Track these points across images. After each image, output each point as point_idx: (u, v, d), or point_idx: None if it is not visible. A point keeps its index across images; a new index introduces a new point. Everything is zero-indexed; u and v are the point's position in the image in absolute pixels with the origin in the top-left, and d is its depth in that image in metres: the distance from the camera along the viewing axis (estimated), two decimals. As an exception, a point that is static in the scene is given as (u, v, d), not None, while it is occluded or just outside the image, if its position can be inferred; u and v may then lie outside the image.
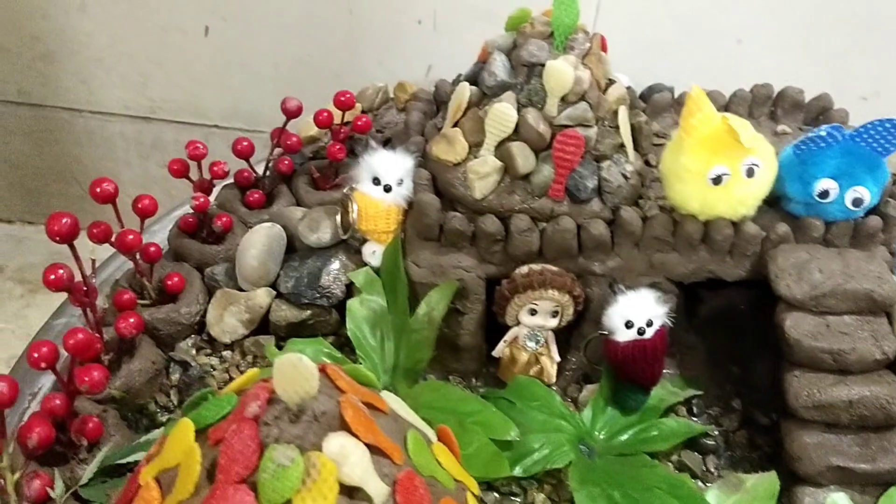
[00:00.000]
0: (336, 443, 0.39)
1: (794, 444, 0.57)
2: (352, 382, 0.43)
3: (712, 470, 0.61)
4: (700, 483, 0.60)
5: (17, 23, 1.12)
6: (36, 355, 0.50)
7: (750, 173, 0.59)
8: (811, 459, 0.56)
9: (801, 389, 0.57)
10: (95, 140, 1.21)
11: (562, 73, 0.58)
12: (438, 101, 0.75)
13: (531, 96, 0.60)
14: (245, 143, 0.73)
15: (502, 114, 0.59)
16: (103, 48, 1.11)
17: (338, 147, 0.75)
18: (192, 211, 0.70)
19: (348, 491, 0.39)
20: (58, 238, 0.55)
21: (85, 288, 0.58)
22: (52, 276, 0.56)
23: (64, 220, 0.55)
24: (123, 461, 0.53)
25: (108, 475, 0.52)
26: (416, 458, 0.44)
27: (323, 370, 0.43)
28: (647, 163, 0.67)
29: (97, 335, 0.57)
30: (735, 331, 0.69)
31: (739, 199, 0.59)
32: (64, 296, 0.61)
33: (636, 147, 0.65)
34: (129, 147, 1.21)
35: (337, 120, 0.76)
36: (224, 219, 0.70)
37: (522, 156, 0.60)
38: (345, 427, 0.40)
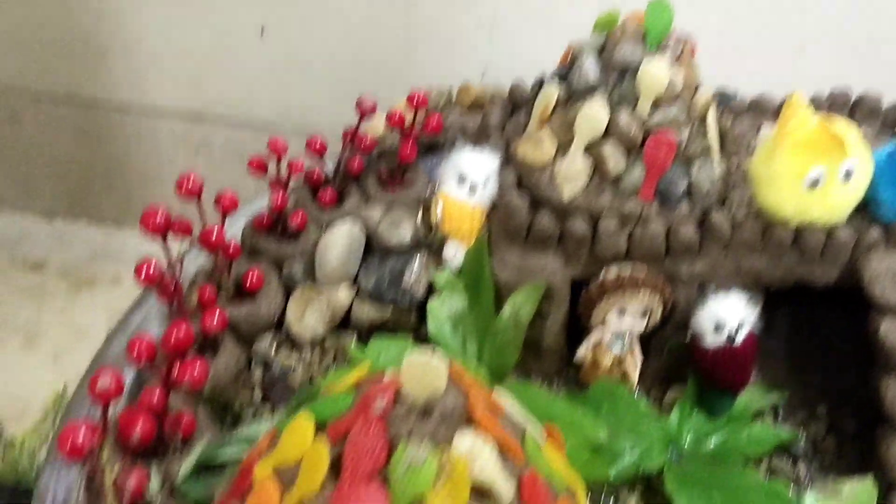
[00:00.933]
0: (467, 441, 0.39)
1: (890, 451, 0.57)
2: (474, 381, 0.43)
3: (803, 476, 0.60)
4: (792, 487, 0.59)
5: (69, 20, 1.12)
6: (135, 351, 0.49)
7: (847, 177, 0.58)
8: (908, 467, 0.56)
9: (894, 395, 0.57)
10: (143, 139, 1.21)
11: (657, 74, 0.57)
12: (513, 103, 0.75)
13: (623, 97, 0.59)
14: (319, 143, 0.73)
15: (594, 114, 0.59)
16: (157, 47, 1.11)
17: (409, 148, 0.75)
18: (265, 209, 0.70)
19: (477, 490, 0.38)
20: (152, 232, 0.54)
21: (174, 285, 0.58)
22: (143, 272, 0.56)
23: (159, 215, 0.54)
24: (217, 460, 0.52)
25: (200, 472, 0.52)
26: (534, 458, 0.43)
27: (450, 371, 0.42)
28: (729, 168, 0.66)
29: (191, 326, 0.57)
30: (817, 338, 0.68)
31: (835, 203, 0.59)
32: (134, 293, 0.61)
33: (722, 150, 0.65)
34: (176, 147, 1.21)
35: (409, 120, 0.76)
36: (300, 216, 0.69)
37: (615, 157, 0.59)
38: (476, 422, 0.40)
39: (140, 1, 1.08)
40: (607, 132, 0.59)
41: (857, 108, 0.75)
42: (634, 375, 0.64)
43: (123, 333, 0.65)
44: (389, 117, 0.76)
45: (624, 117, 0.59)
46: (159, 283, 0.56)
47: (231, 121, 1.16)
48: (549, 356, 0.65)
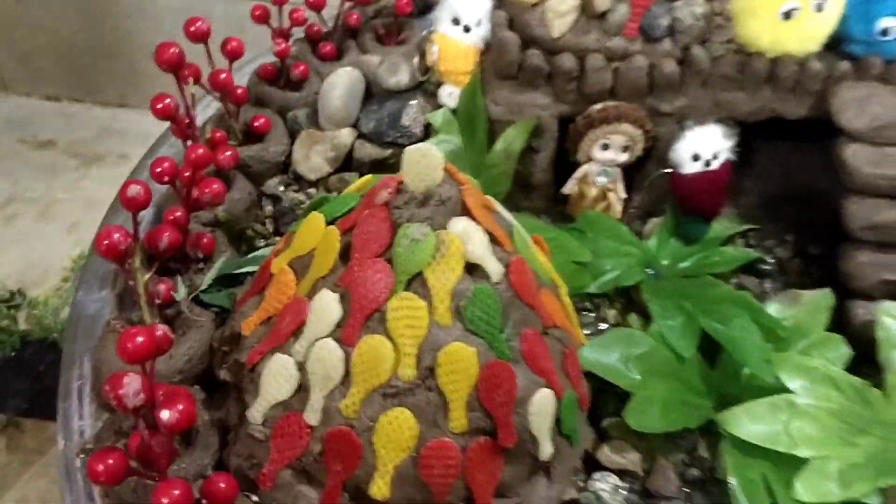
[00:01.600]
0: (460, 224, 0.43)
1: (848, 263, 0.62)
2: (468, 179, 0.47)
3: (769, 291, 0.66)
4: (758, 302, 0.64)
5: None
6: (159, 169, 0.54)
7: (819, 8, 0.61)
8: (864, 276, 0.61)
9: (858, 213, 0.61)
10: (145, 14, 1.22)
11: None
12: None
13: (609, -65, 0.62)
14: (317, -5, 0.75)
15: (581, -48, 0.61)
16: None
17: (405, 1, 0.77)
18: (270, 60, 0.73)
19: (469, 267, 0.43)
20: (166, 66, 0.58)
21: (187, 120, 0.61)
22: (160, 105, 0.59)
23: (172, 50, 0.58)
24: (234, 271, 0.57)
25: (220, 284, 0.57)
26: (521, 250, 0.48)
27: (447, 168, 0.46)
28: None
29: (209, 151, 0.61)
30: (788, 175, 0.72)
31: (809, 34, 0.62)
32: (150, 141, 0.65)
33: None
34: (177, 21, 1.22)
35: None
36: (302, 67, 0.73)
37: (601, -6, 0.62)
38: (466, 213, 0.44)
39: None
40: (593, -29, 0.62)
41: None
42: (618, 207, 0.68)
43: (143, 170, 0.69)
44: (384, -29, 0.78)
45: (609, -45, 0.61)
46: (174, 118, 0.60)
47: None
48: (539, 191, 0.69)
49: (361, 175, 0.68)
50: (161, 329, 0.44)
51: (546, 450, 0.45)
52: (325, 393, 0.43)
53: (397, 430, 0.42)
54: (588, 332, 0.61)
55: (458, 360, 0.42)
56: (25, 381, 1.02)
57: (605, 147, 0.65)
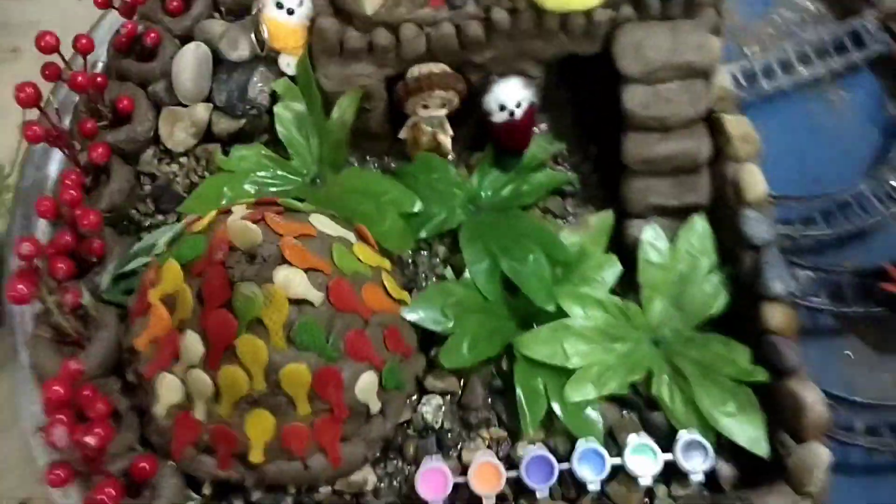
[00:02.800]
0: (282, 274, 0.56)
1: (625, 189, 0.75)
2: (287, 224, 0.59)
3: (570, 209, 0.79)
4: (561, 221, 0.78)
5: None
6: (42, 209, 0.64)
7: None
8: (637, 200, 0.74)
9: (632, 149, 0.73)
10: None
11: None
12: None
13: (403, -77, 0.66)
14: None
15: (380, -58, 0.66)
16: None
17: (240, -54, 0.80)
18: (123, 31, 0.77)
19: (297, 302, 0.57)
20: (27, 104, 0.65)
21: (57, 134, 0.69)
22: (30, 132, 0.67)
23: (29, 90, 0.64)
24: (128, 269, 0.69)
25: (117, 280, 0.69)
26: (341, 263, 0.61)
27: (263, 220, 0.58)
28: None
29: (79, 169, 0.70)
30: (596, 98, 0.81)
31: (585, -2, 0.69)
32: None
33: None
34: None
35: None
36: (152, 34, 0.78)
37: (403, -23, 0.68)
38: (286, 261, 0.57)
39: None
40: (395, -45, 0.67)
41: None
42: (447, 145, 0.79)
43: (30, 165, 0.77)
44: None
45: (406, -58, 0.66)
46: (47, 137, 0.68)
47: None
48: (380, 139, 0.79)
49: (222, 144, 0.78)
50: (74, 364, 0.58)
51: (374, 407, 0.62)
52: (204, 401, 0.58)
53: (260, 424, 0.58)
54: (422, 269, 0.75)
55: (294, 374, 0.57)
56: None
57: (426, 106, 0.74)
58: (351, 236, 0.65)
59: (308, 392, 0.58)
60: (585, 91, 0.82)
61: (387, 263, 0.67)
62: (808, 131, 0.86)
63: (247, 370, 0.56)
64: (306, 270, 0.58)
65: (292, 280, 0.56)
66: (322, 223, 0.63)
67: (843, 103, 0.88)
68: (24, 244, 0.60)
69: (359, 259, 0.63)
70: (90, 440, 0.55)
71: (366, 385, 0.60)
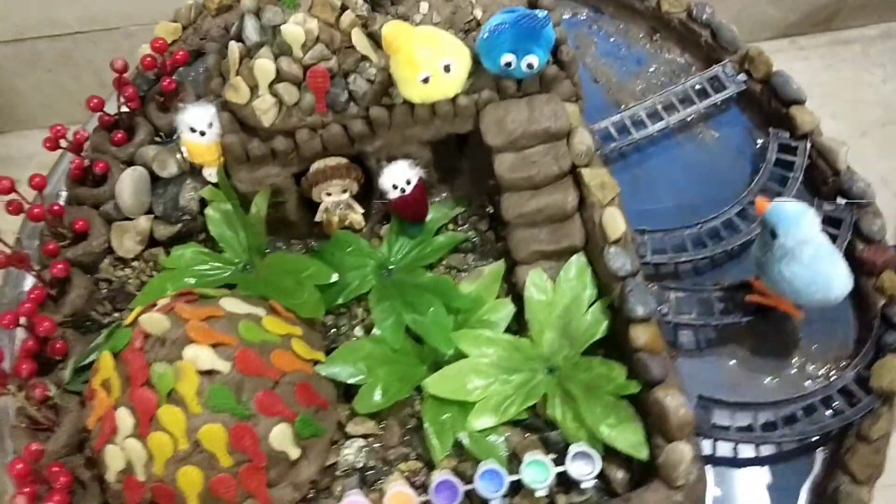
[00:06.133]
0: (190, 351, 0.65)
1: (511, 240, 0.83)
2: (194, 310, 0.68)
3: (471, 263, 0.87)
4: (462, 275, 0.86)
5: None
6: (5, 321, 0.74)
7: (447, 69, 0.78)
8: (521, 248, 0.82)
9: (509, 207, 0.81)
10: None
11: (294, 32, 0.75)
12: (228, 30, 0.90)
13: (281, 48, 0.77)
14: (96, 101, 0.90)
15: (264, 66, 0.77)
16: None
17: (167, 80, 0.92)
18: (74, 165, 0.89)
19: (207, 373, 0.66)
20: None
21: (19, 257, 0.80)
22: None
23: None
24: (88, 361, 0.79)
25: (81, 372, 0.79)
26: (248, 336, 0.69)
27: (172, 309, 0.67)
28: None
29: (43, 285, 0.81)
30: (488, 156, 0.90)
31: (445, 88, 0.79)
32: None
33: (380, 48, 0.83)
34: (14, 64, 1.33)
35: (160, 59, 0.92)
36: (100, 165, 0.89)
37: (287, 92, 0.78)
38: (193, 340, 0.66)
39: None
40: (278, 76, 0.78)
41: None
42: (359, 220, 0.88)
43: (8, 284, 0.88)
44: (142, 62, 0.92)
45: (285, 63, 0.77)
46: (10, 261, 0.79)
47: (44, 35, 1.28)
48: (299, 225, 0.89)
49: (165, 247, 0.88)
50: (35, 446, 0.67)
51: (293, 454, 0.70)
52: (142, 465, 0.66)
53: (190, 478, 0.66)
54: (344, 328, 0.83)
55: (211, 433, 0.65)
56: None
57: (329, 194, 0.84)
58: (261, 311, 0.73)
59: (227, 447, 0.66)
60: (479, 159, 0.91)
61: (297, 330, 0.76)
62: (683, 169, 0.94)
63: (171, 434, 0.65)
64: (213, 345, 0.66)
65: (199, 355, 0.65)
66: (231, 305, 0.72)
67: (714, 141, 0.96)
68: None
69: (266, 330, 0.72)
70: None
71: (280, 435, 0.68)
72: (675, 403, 0.69)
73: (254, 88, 0.80)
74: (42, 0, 1.24)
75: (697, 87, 0.96)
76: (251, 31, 0.77)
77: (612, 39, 1.04)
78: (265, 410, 0.68)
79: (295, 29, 0.74)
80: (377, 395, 0.75)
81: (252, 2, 0.78)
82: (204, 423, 0.65)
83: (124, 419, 0.65)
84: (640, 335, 0.73)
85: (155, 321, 0.64)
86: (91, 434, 0.71)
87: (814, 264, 0.71)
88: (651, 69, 1.01)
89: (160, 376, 0.64)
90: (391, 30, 0.75)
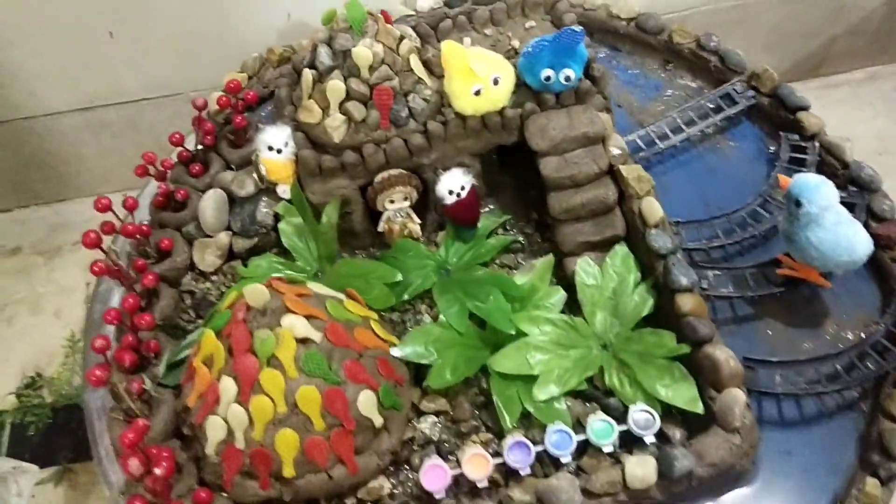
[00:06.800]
0: (287, 320, 0.71)
1: (558, 234, 0.90)
2: (289, 286, 0.75)
3: (521, 262, 0.94)
4: (515, 271, 0.93)
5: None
6: (108, 317, 0.81)
7: (496, 83, 0.88)
8: (569, 241, 0.90)
9: (555, 203, 0.89)
10: (54, 134, 1.44)
11: (363, 53, 0.85)
12: (297, 70, 1.01)
13: (350, 70, 0.87)
14: (177, 136, 0.99)
15: (335, 86, 0.87)
16: (37, 64, 1.32)
17: (239, 118, 1.02)
18: (159, 192, 0.98)
19: (302, 341, 0.72)
20: (89, 247, 0.83)
21: (116, 268, 0.88)
22: (96, 268, 0.85)
23: (92, 235, 0.83)
24: (179, 358, 0.85)
25: (171, 368, 0.85)
26: (334, 313, 0.76)
27: (270, 285, 0.74)
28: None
29: (138, 296, 0.88)
30: (528, 174, 0.99)
31: (494, 100, 0.88)
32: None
33: (433, 74, 0.93)
34: (82, 132, 1.44)
35: (233, 100, 1.03)
36: (181, 192, 0.98)
37: (357, 110, 0.88)
38: (290, 311, 0.72)
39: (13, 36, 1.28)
40: (348, 95, 0.88)
41: (525, 4, 1.02)
42: (417, 230, 0.96)
43: (98, 301, 0.95)
44: (218, 101, 1.02)
45: (354, 84, 0.87)
46: (108, 271, 0.86)
47: (114, 102, 1.40)
48: (363, 235, 0.97)
49: (243, 260, 0.96)
50: (141, 421, 0.73)
51: (378, 421, 0.75)
52: (242, 431, 0.72)
53: (287, 441, 0.71)
54: (409, 324, 0.90)
55: (306, 396, 0.71)
56: (66, 438, 1.30)
57: (392, 201, 0.92)
58: (342, 297, 0.80)
59: (320, 410, 0.71)
60: (524, 175, 1.00)
61: (374, 315, 0.82)
62: (706, 174, 1.02)
63: (270, 397, 0.70)
64: (307, 317, 0.73)
65: (295, 324, 0.72)
66: (318, 288, 0.79)
67: (731, 149, 1.05)
68: (97, 340, 0.76)
69: (349, 310, 0.78)
70: (158, 471, 0.68)
71: (366, 401, 0.73)
72: (724, 356, 0.75)
73: (325, 109, 0.89)
74: (110, 69, 1.35)
75: (711, 104, 1.06)
76: (324, 56, 0.87)
77: (629, 71, 1.15)
78: (353, 377, 0.73)
79: (364, 51, 0.85)
80: (447, 373, 0.81)
81: (325, 33, 0.88)
82: (300, 386, 0.71)
83: (227, 387, 0.71)
84: (686, 302, 0.80)
85: (257, 292, 0.71)
86: (191, 412, 0.76)
87: (837, 229, 0.78)
88: (668, 93, 1.11)
89: (262, 342, 0.70)
90: (449, 47, 0.85)
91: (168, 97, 1.40)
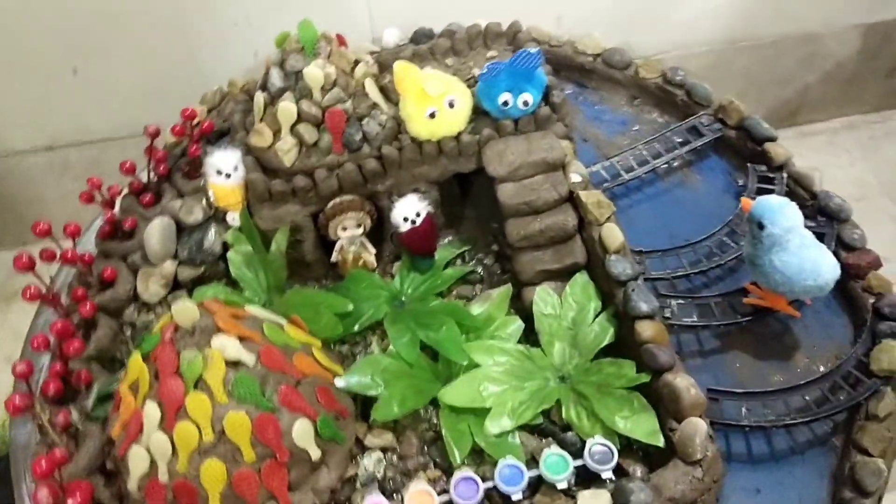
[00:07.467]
0: (217, 341, 0.67)
1: (517, 262, 0.87)
2: (221, 306, 0.71)
3: (479, 293, 0.91)
4: (467, 303, 0.89)
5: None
6: (36, 343, 0.76)
7: (451, 105, 0.86)
8: (527, 270, 0.86)
9: (513, 230, 0.86)
10: (15, 175, 1.41)
11: (314, 74, 0.83)
12: (251, 96, 0.99)
13: (302, 92, 0.85)
14: (129, 164, 0.97)
15: (286, 108, 0.85)
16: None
17: (194, 147, 1.00)
18: (106, 220, 0.94)
19: (233, 364, 0.67)
20: (23, 269, 0.80)
21: (51, 296, 0.83)
22: (28, 294, 0.81)
23: (24, 258, 0.79)
24: (111, 389, 0.80)
25: (102, 401, 0.80)
26: (271, 336, 0.72)
27: (201, 305, 0.70)
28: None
29: (69, 321, 0.83)
30: (488, 203, 0.96)
31: (450, 124, 0.86)
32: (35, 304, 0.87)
33: (390, 100, 0.91)
34: (45, 173, 1.42)
35: (188, 128, 1.00)
36: (129, 221, 0.95)
37: (308, 133, 0.86)
38: (220, 331, 0.68)
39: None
40: (300, 117, 0.85)
41: (487, 35, 1.01)
42: (371, 261, 0.92)
43: (35, 332, 0.91)
44: (172, 130, 1.00)
45: (305, 106, 0.85)
46: (42, 298, 0.82)
47: (77, 142, 1.38)
48: (315, 265, 0.93)
49: (189, 291, 0.92)
50: (59, 451, 0.67)
51: (315, 453, 0.70)
52: (165, 462, 0.66)
53: (213, 473, 0.66)
54: (360, 357, 0.85)
55: (235, 422, 0.66)
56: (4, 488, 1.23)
57: (345, 228, 0.89)
58: (283, 322, 0.76)
59: (250, 438, 0.66)
60: (482, 206, 0.97)
61: (317, 342, 0.78)
62: (672, 206, 1.00)
63: (196, 424, 0.65)
64: (240, 339, 0.69)
65: (226, 344, 0.67)
66: (255, 311, 0.75)
67: (698, 182, 1.03)
68: (19, 365, 0.72)
69: (289, 335, 0.74)
70: (71, 501, 0.63)
71: (301, 431, 0.68)
72: (685, 384, 0.71)
73: (276, 133, 0.87)
74: (74, 109, 1.34)
75: (678, 137, 1.04)
76: (276, 78, 0.85)
77: (596, 107, 1.13)
78: (288, 405, 0.69)
79: (316, 71, 0.83)
80: (395, 406, 0.76)
81: (277, 55, 0.87)
82: (229, 412, 0.66)
83: (151, 413, 0.66)
84: (646, 329, 0.76)
85: (186, 310, 0.67)
86: (115, 445, 0.71)
87: (801, 252, 0.75)
88: (635, 128, 1.10)
89: (189, 363, 0.66)
90: (402, 67, 0.83)
91: (133, 138, 1.37)
